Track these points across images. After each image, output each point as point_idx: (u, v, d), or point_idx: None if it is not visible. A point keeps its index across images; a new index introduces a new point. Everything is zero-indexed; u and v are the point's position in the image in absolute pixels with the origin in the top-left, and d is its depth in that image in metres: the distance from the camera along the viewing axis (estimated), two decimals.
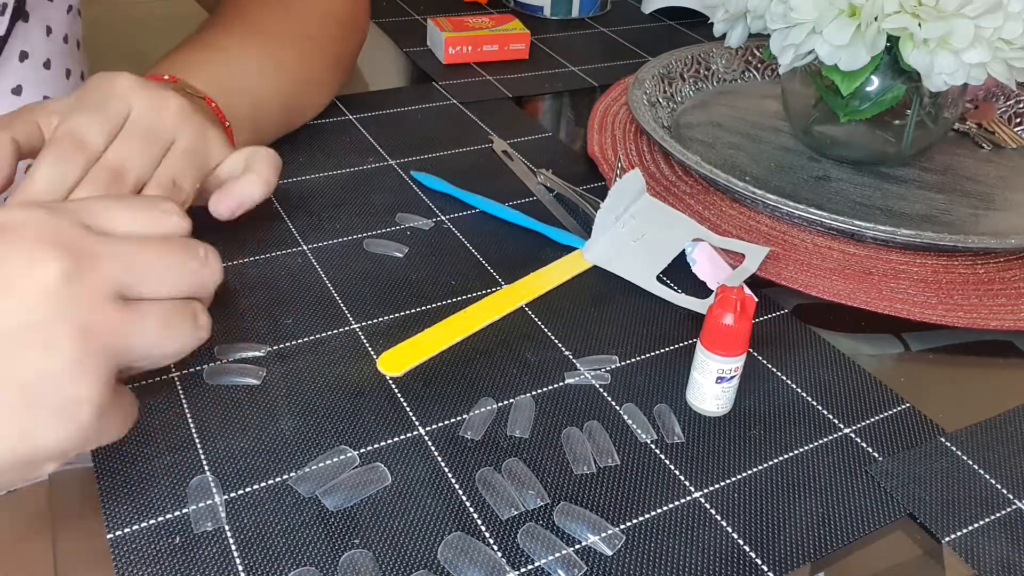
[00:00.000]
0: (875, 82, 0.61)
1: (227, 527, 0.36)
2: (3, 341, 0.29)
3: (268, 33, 0.59)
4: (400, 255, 0.53)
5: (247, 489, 0.38)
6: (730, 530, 0.37)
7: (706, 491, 0.39)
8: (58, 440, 0.30)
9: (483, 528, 0.37)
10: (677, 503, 0.38)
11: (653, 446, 0.41)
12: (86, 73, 0.59)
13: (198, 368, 0.44)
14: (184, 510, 0.37)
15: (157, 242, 0.33)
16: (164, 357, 0.33)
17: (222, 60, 0.54)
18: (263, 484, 0.38)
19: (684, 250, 0.54)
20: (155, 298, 0.32)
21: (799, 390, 0.45)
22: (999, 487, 0.40)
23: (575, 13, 0.96)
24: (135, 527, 0.36)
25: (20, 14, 0.51)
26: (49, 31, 0.54)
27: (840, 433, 0.43)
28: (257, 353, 0.45)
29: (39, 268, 0.29)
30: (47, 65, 0.53)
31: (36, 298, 0.29)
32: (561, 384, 0.44)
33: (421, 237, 0.55)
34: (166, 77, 0.49)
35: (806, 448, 0.42)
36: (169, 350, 0.33)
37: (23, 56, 0.52)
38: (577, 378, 0.45)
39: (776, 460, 0.41)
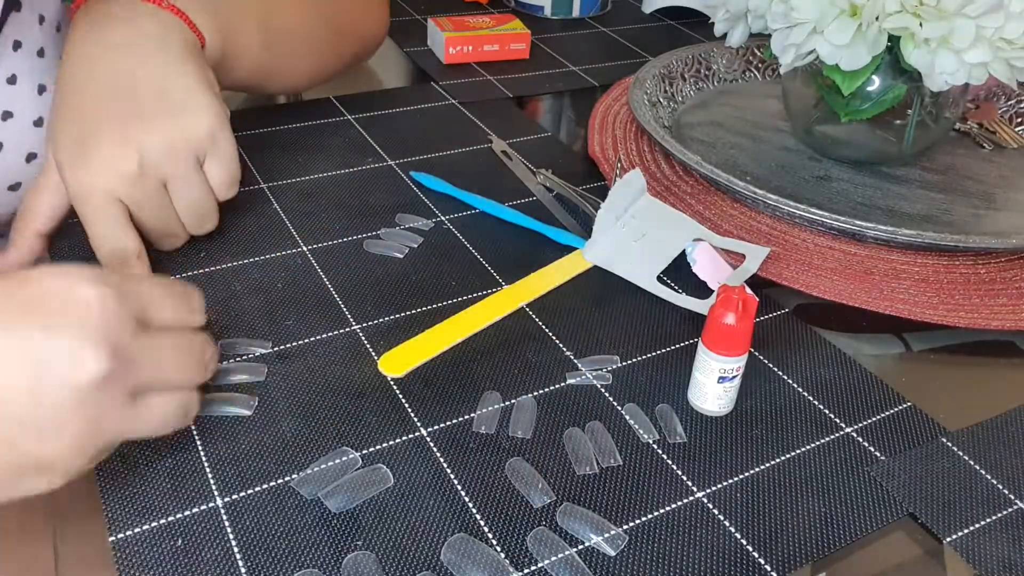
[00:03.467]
0: (876, 82, 0.61)
1: (229, 529, 0.36)
2: (19, 416, 0.31)
3: None
4: (400, 255, 0.53)
5: (249, 491, 0.38)
6: (732, 530, 0.37)
7: (708, 491, 0.39)
8: (30, 491, 0.33)
9: (486, 529, 0.37)
10: (679, 503, 0.38)
11: (655, 446, 0.41)
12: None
13: None
14: (186, 512, 0.37)
15: (178, 345, 0.36)
16: (153, 435, 0.36)
17: None
18: (265, 486, 0.38)
19: (684, 250, 0.54)
20: (162, 392, 0.35)
21: (800, 390, 0.45)
22: (1000, 487, 0.40)
23: (576, 13, 0.96)
24: (137, 530, 0.36)
25: (13, 4, 0.52)
26: (42, 20, 0.54)
27: (841, 433, 0.43)
28: (261, 350, 0.45)
29: (81, 366, 0.31)
30: (41, 53, 0.54)
31: (67, 390, 0.31)
32: (563, 384, 0.44)
33: (421, 237, 0.55)
34: None
35: (808, 448, 0.42)
36: (158, 434, 0.36)
37: (16, 45, 0.52)
38: (578, 378, 0.45)
39: (778, 460, 0.41)
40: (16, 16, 0.52)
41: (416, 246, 0.54)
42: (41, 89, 0.54)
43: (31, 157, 0.55)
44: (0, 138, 0.53)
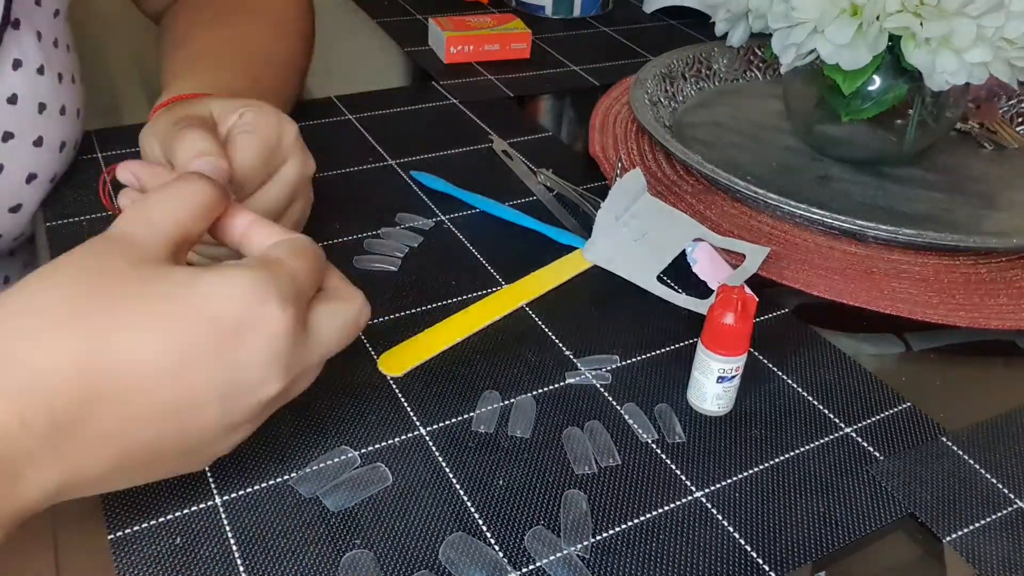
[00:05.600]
0: (877, 81, 0.61)
1: (228, 528, 0.36)
2: (203, 425, 0.32)
3: (233, 25, 0.60)
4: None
5: (248, 490, 0.38)
6: (731, 529, 0.37)
7: (707, 491, 0.39)
8: (189, 468, 0.35)
9: (484, 528, 0.37)
10: (678, 503, 0.38)
11: (654, 446, 0.41)
12: (76, 76, 0.58)
13: None
14: (185, 510, 0.37)
15: (344, 342, 0.37)
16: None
17: (204, 65, 0.55)
18: (264, 485, 0.38)
19: (684, 250, 0.54)
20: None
21: (800, 390, 0.45)
22: (1000, 487, 0.40)
23: (577, 12, 0.96)
24: (136, 527, 0.36)
25: (10, 21, 0.51)
26: (40, 36, 0.53)
27: (841, 433, 0.43)
28: None
29: (263, 388, 0.33)
30: (40, 71, 0.53)
31: (246, 408, 0.33)
32: (562, 384, 0.44)
33: (421, 237, 0.55)
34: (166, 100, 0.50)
35: (807, 448, 0.42)
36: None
37: (16, 64, 0.51)
38: (578, 378, 0.45)
39: (777, 460, 0.41)
40: (14, 34, 0.51)
41: (416, 246, 0.54)
42: (41, 108, 0.53)
43: (31, 178, 0.54)
44: (0, 159, 0.52)
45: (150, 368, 0.31)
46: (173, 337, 0.31)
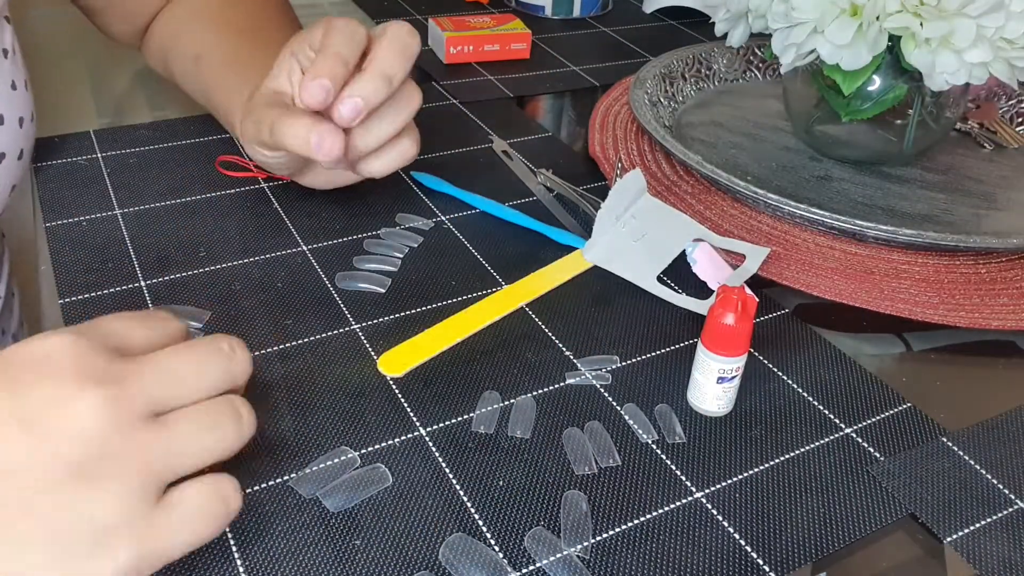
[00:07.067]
0: (877, 82, 0.61)
1: (227, 529, 0.36)
2: (49, 489, 0.27)
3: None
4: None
5: (248, 490, 0.38)
6: (731, 530, 0.37)
7: (707, 491, 0.39)
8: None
9: (484, 529, 0.37)
10: (678, 503, 0.38)
11: (654, 446, 0.41)
12: (29, 82, 0.56)
13: None
14: None
15: (180, 349, 0.31)
16: (212, 459, 0.31)
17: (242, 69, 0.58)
18: (264, 485, 0.38)
19: (684, 250, 0.54)
20: (190, 404, 0.31)
21: (800, 390, 0.45)
22: (1001, 487, 0.40)
23: (576, 13, 0.96)
24: None
25: None
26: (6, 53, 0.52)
27: (841, 433, 0.43)
28: (260, 350, 0.45)
29: (71, 404, 0.28)
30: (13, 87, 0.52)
31: (73, 437, 0.28)
32: (562, 384, 0.44)
33: (421, 237, 0.55)
34: None
35: (807, 448, 0.42)
36: (216, 452, 0.31)
37: None
38: (578, 378, 0.45)
39: (777, 460, 0.41)
40: None
41: (416, 246, 0.54)
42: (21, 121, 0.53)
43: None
44: None
45: None
46: None
